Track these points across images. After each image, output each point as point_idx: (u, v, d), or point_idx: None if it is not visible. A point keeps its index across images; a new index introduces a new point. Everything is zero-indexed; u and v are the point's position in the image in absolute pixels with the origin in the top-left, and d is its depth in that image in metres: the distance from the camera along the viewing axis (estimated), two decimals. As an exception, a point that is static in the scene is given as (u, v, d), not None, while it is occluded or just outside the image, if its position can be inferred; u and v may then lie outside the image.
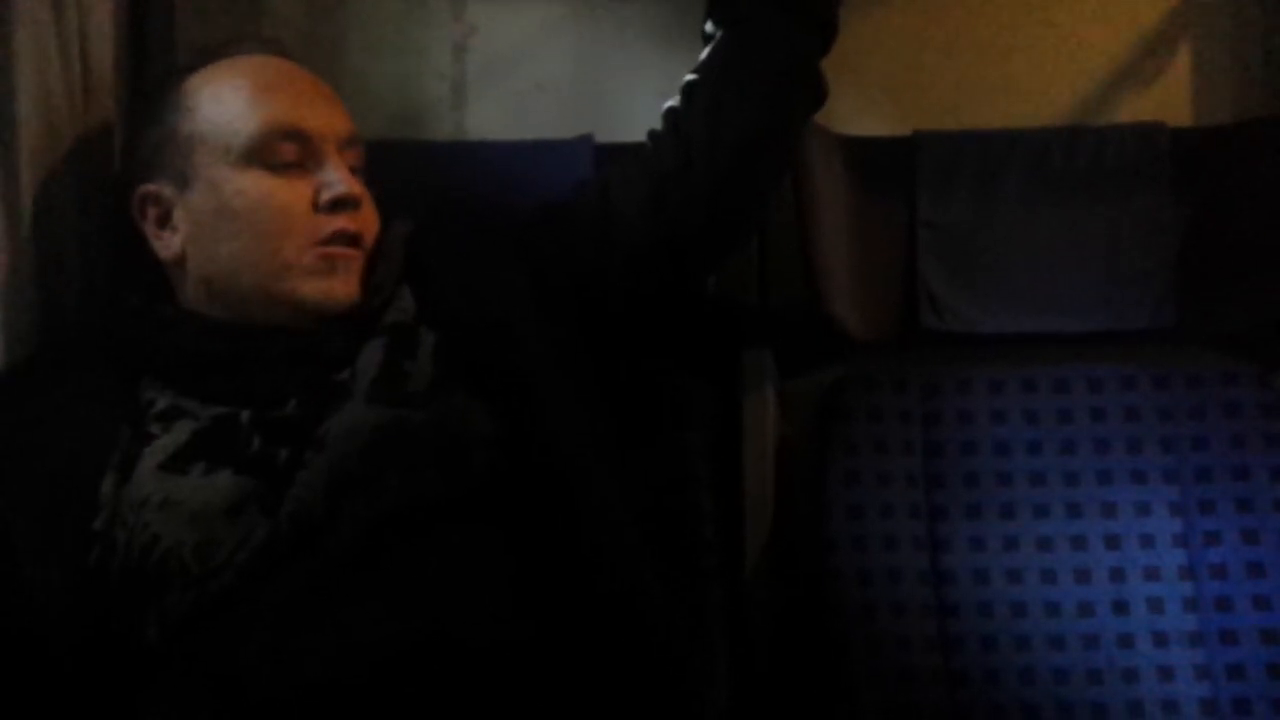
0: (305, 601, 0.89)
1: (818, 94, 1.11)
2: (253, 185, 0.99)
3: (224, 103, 1.00)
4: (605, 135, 1.32)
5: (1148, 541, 1.27)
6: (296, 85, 1.03)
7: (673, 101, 1.10)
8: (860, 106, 1.44)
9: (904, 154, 1.39)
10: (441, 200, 1.27)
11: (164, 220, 1.02)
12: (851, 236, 1.37)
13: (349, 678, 0.88)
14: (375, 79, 1.46)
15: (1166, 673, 1.21)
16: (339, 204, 1.00)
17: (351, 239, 1.01)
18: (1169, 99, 1.44)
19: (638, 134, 1.13)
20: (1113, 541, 1.27)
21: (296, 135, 1.00)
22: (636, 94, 1.42)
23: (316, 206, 1.00)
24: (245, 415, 0.96)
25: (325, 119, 1.02)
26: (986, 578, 1.25)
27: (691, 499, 1.14)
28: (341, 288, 1.00)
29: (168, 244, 1.02)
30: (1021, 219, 1.37)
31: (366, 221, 1.03)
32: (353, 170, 1.03)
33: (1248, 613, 1.21)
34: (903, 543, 1.26)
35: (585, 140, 1.33)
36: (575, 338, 1.07)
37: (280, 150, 0.99)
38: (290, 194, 0.99)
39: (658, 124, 1.11)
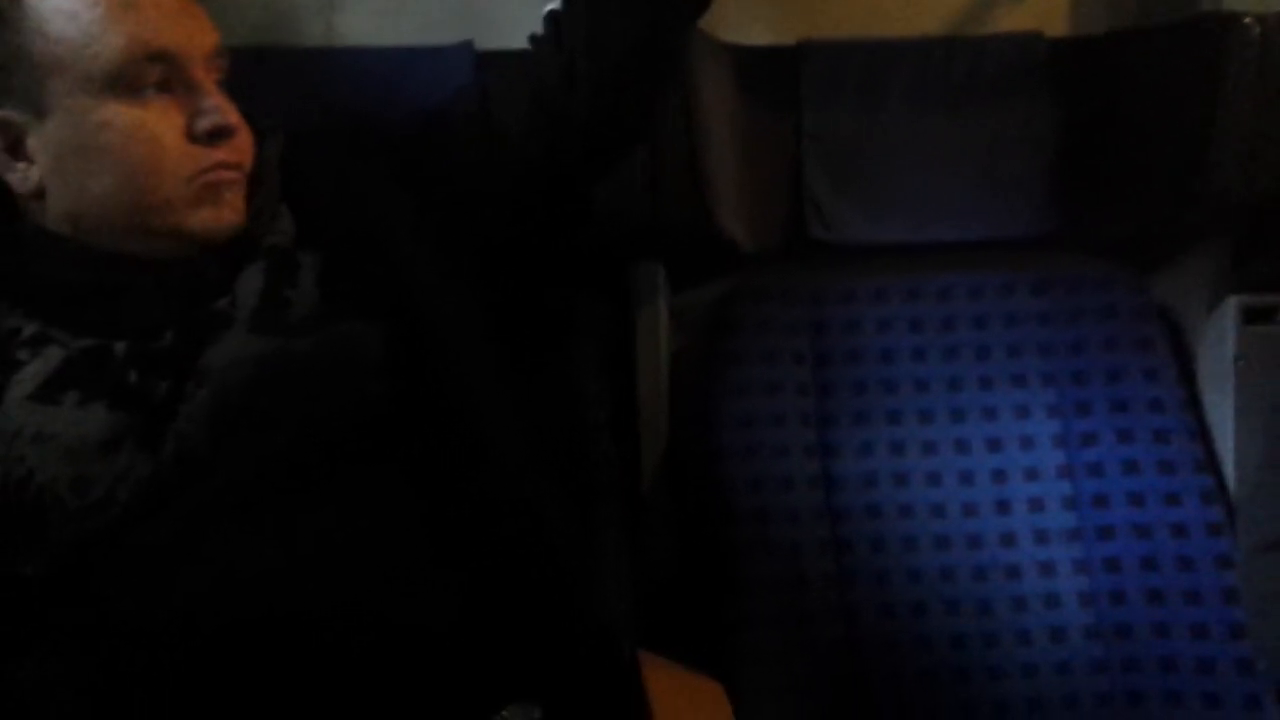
0: (190, 539, 0.86)
1: (702, 1, 1.08)
2: (118, 117, 0.91)
3: (79, 21, 0.91)
4: (486, 42, 1.28)
5: (1028, 443, 1.31)
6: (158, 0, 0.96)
7: (554, 5, 1.07)
8: (746, 15, 1.42)
9: (789, 64, 1.38)
10: (313, 111, 1.21)
11: (16, 149, 0.93)
12: (739, 148, 1.36)
13: (232, 617, 0.85)
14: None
15: (1047, 568, 1.26)
16: (216, 135, 0.93)
17: (232, 168, 0.95)
18: (1047, 10, 1.46)
19: (520, 40, 1.09)
20: (994, 444, 1.31)
21: (162, 56, 0.91)
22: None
23: (191, 136, 0.93)
24: (120, 347, 0.91)
25: (189, 34, 0.94)
26: (874, 481, 1.28)
27: (586, 414, 1.13)
28: (229, 214, 0.94)
29: (24, 176, 0.93)
30: (904, 129, 1.38)
31: (244, 148, 0.97)
32: (219, 84, 0.97)
33: (1122, 508, 1.27)
34: (794, 450, 1.27)
35: (465, 47, 1.29)
36: (462, 254, 1.03)
37: (145, 74, 0.91)
38: (161, 123, 0.92)
39: (540, 29, 1.07)
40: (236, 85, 1.00)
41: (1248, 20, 1.26)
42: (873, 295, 1.35)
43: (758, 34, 1.41)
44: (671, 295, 1.36)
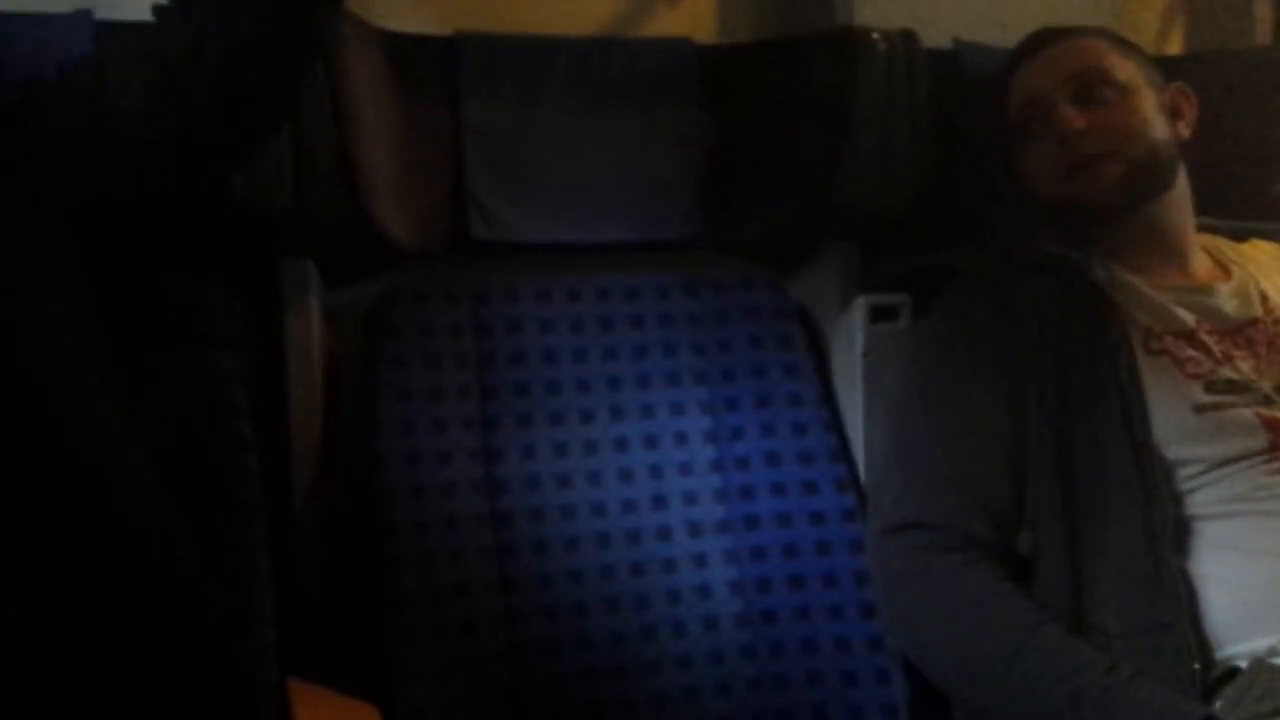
0: None
1: None
2: None
3: None
4: (105, 10, 1.16)
5: (682, 439, 1.35)
6: None
7: None
8: (402, 1, 1.37)
9: (447, 55, 1.35)
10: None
11: None
12: (396, 139, 1.31)
13: None
14: None
15: (700, 560, 1.30)
16: None
17: None
18: (698, 16, 1.51)
19: (144, 10, 1.00)
20: (651, 441, 1.34)
21: None
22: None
23: None
24: None
25: None
26: (538, 484, 1.28)
27: (230, 428, 1.05)
28: None
29: None
30: (562, 128, 1.38)
31: None
32: None
33: (766, 499, 1.33)
34: (456, 456, 1.25)
35: (82, 16, 1.16)
36: (71, 251, 0.93)
37: None
38: None
39: (165, -1, 0.99)
40: None
41: (875, 36, 1.36)
42: (535, 296, 1.35)
43: (414, 22, 1.37)
44: (325, 294, 1.29)
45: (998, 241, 1.35)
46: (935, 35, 1.43)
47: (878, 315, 1.40)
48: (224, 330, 1.13)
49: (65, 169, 0.94)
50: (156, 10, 0.99)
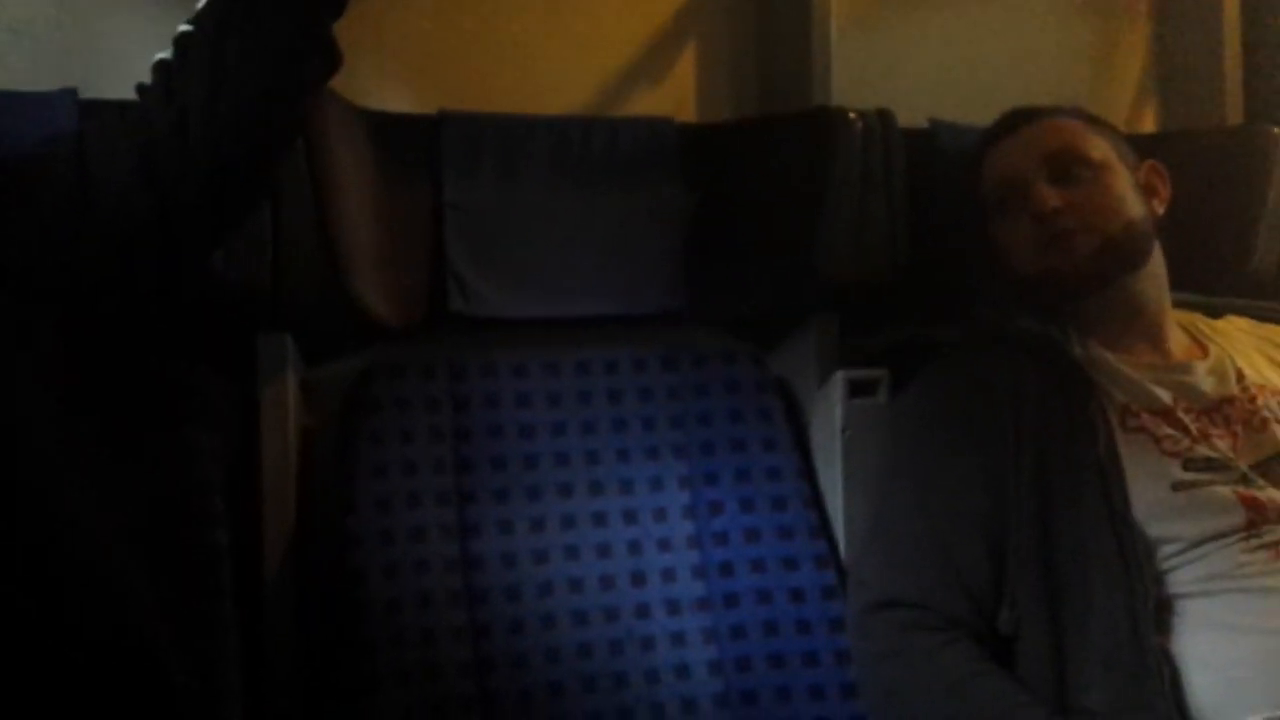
0: None
1: (329, 59, 1.04)
2: None
3: None
4: (91, 90, 1.18)
5: (661, 514, 1.34)
6: None
7: (165, 54, 0.99)
8: (384, 80, 1.40)
9: (429, 133, 1.36)
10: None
11: None
12: (376, 215, 1.32)
13: None
14: None
15: (679, 638, 1.28)
16: None
17: None
18: (678, 95, 1.54)
19: (128, 89, 1.02)
20: (630, 516, 1.33)
21: None
22: (130, 44, 1.28)
23: None
24: None
25: None
26: (514, 560, 1.27)
27: (202, 506, 1.04)
28: None
29: None
30: (542, 204, 1.39)
31: None
32: None
33: (746, 575, 1.32)
34: (431, 532, 1.24)
35: (67, 94, 1.18)
36: (46, 326, 0.93)
37: None
38: None
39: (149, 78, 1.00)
40: None
41: (851, 115, 1.38)
42: (512, 370, 1.35)
43: (398, 101, 1.39)
44: (302, 369, 1.29)
45: (975, 317, 1.35)
46: (911, 114, 1.45)
47: (856, 390, 1.40)
48: (200, 407, 1.12)
49: (47, 244, 0.94)
50: (140, 89, 1.00)
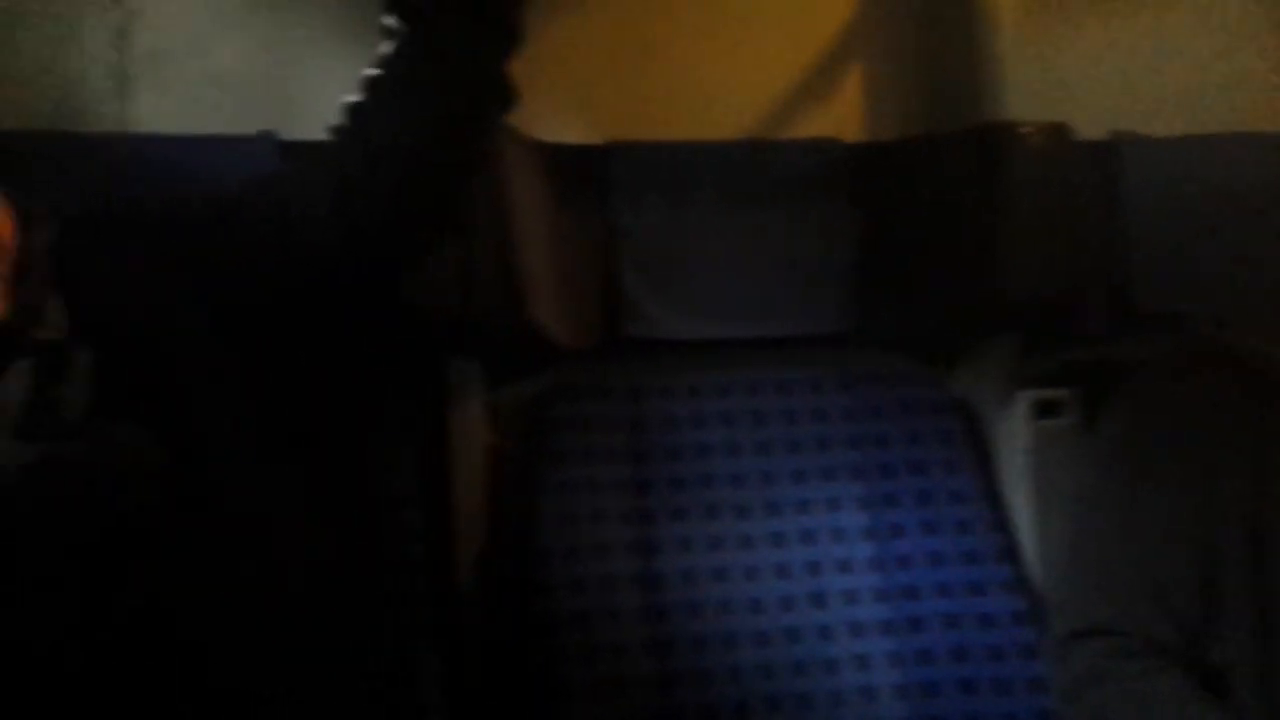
0: None
1: (507, 97, 1.07)
2: None
3: None
4: (288, 132, 1.25)
5: (839, 536, 1.33)
6: None
7: (354, 96, 1.04)
8: (557, 113, 1.43)
9: (599, 162, 1.39)
10: (102, 198, 1.14)
11: None
12: (552, 243, 1.36)
13: None
14: (23, 64, 1.29)
15: (863, 661, 1.26)
16: None
17: None
18: (844, 114, 1.53)
19: (321, 131, 1.06)
20: (808, 537, 1.32)
21: None
22: (322, 88, 1.33)
23: None
24: None
25: None
26: (694, 579, 1.27)
27: (399, 518, 1.08)
28: None
29: None
30: (713, 228, 1.41)
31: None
32: None
33: (931, 600, 1.29)
34: (614, 549, 1.25)
35: (266, 137, 1.25)
36: (255, 351, 0.98)
37: None
38: None
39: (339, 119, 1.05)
40: (20, 170, 0.93)
41: (1024, 129, 1.35)
42: (686, 391, 1.36)
43: (569, 133, 1.42)
44: (488, 392, 1.33)
45: (1182, 335, 1.30)
46: (1090, 128, 1.41)
47: (1041, 411, 1.36)
48: (397, 427, 1.17)
49: (251, 276, 0.99)
50: (332, 130, 1.04)
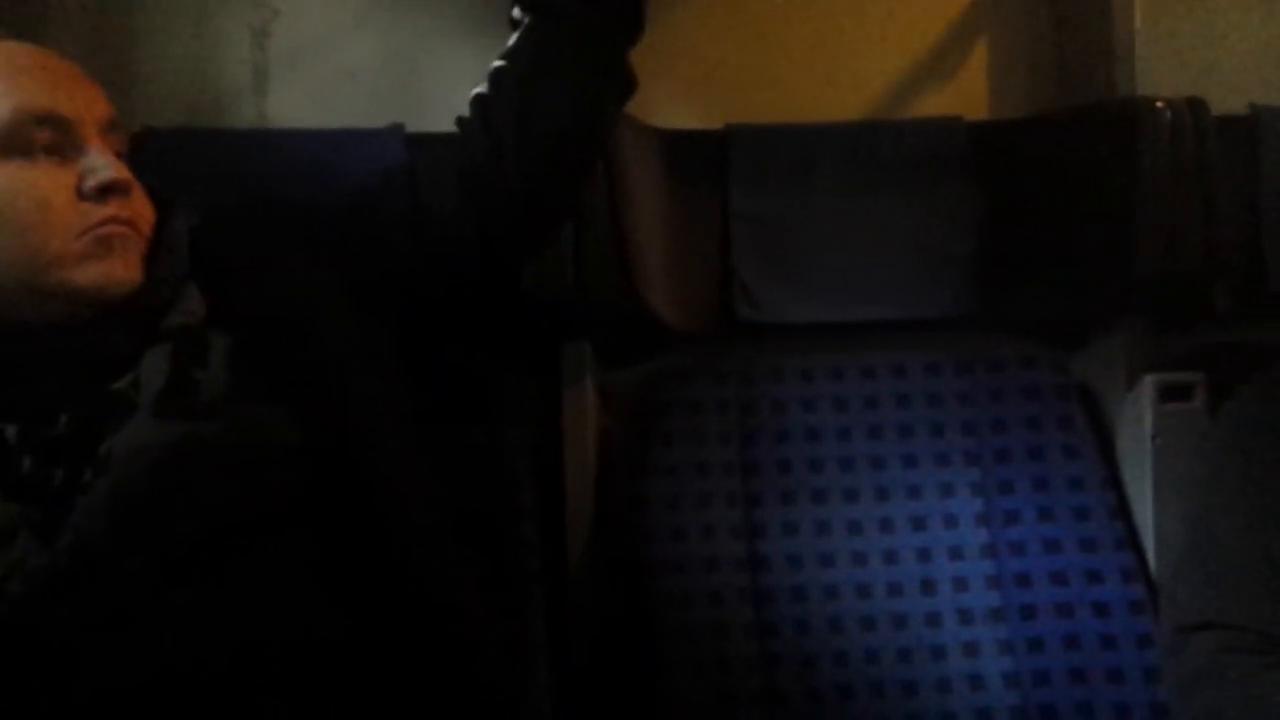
0: (90, 632, 0.84)
1: (627, 85, 1.09)
2: (7, 177, 0.90)
3: None
4: (417, 124, 1.29)
5: (951, 522, 1.31)
6: (49, 69, 0.94)
7: (481, 88, 1.08)
8: (673, 99, 1.45)
9: (716, 147, 1.40)
10: (241, 191, 1.21)
11: None
12: (666, 228, 1.37)
13: (135, 714, 0.83)
14: (170, 65, 1.38)
15: (972, 649, 1.25)
16: (107, 190, 0.92)
17: (124, 224, 0.93)
18: (967, 93, 1.50)
19: (449, 123, 1.10)
20: (919, 523, 1.31)
21: (52, 120, 0.91)
22: (450, 82, 1.39)
23: (82, 194, 0.92)
24: (11, 431, 0.89)
25: (83, 102, 0.94)
26: (800, 562, 1.28)
27: (513, 497, 1.13)
28: (122, 269, 0.92)
29: None
30: (830, 211, 1.40)
31: (138, 209, 0.95)
32: (120, 156, 0.96)
33: (1045, 587, 1.27)
34: (720, 531, 1.27)
35: (396, 130, 1.30)
36: (385, 334, 1.03)
37: (35, 137, 0.90)
38: (50, 184, 0.91)
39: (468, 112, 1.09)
40: (144, 162, 0.99)
41: (1159, 104, 1.30)
42: (798, 374, 1.36)
43: (685, 118, 1.44)
44: (600, 374, 1.36)
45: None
46: (1228, 101, 1.35)
47: (1168, 395, 1.32)
48: (511, 407, 1.21)
49: (385, 265, 1.03)
50: (460, 122, 1.08)
